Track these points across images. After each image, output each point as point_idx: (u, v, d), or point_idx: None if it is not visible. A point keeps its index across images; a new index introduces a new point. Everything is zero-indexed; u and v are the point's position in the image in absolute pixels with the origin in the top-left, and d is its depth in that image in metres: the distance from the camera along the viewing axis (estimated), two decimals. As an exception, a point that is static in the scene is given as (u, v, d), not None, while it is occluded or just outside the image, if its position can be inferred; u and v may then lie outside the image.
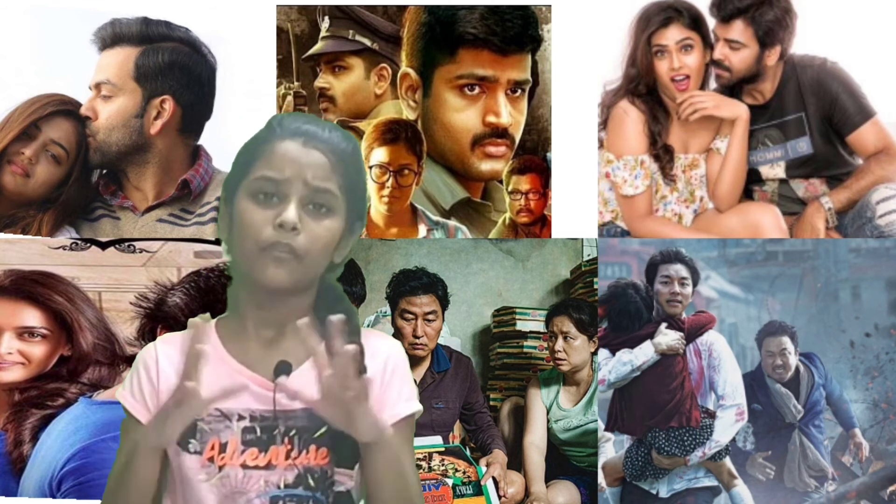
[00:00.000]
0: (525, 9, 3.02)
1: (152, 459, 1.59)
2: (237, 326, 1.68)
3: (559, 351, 3.18)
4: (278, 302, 1.64)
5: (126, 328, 2.77)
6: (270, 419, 1.61)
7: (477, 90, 3.02)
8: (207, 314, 1.67)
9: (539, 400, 3.24)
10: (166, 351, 1.66)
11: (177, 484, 1.63)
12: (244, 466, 1.60)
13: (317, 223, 1.61)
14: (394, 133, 2.96)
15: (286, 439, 1.62)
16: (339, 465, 1.63)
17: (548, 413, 3.23)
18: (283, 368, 1.62)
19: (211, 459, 1.60)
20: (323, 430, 1.62)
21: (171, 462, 1.63)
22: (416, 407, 1.70)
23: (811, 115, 3.17)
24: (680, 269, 2.97)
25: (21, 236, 2.93)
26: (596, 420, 3.10)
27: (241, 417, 1.61)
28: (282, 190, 1.59)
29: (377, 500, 1.62)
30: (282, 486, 1.61)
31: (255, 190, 1.61)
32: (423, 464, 2.99)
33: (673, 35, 3.10)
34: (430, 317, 3.16)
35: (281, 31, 3.22)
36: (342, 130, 1.69)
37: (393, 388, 1.67)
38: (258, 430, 1.61)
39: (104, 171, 3.02)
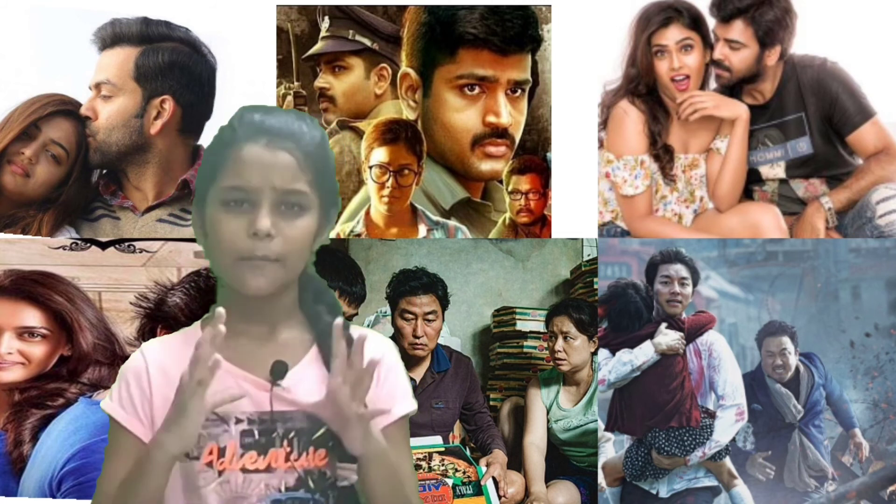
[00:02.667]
0: (525, 9, 3.01)
1: (168, 468, 1.53)
2: (227, 324, 1.63)
3: (559, 351, 3.18)
4: (263, 303, 1.63)
5: (126, 328, 2.77)
6: (268, 421, 1.59)
7: (477, 90, 3.02)
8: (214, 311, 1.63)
9: (539, 400, 3.24)
10: (155, 359, 1.63)
11: (172, 492, 1.59)
12: (244, 470, 1.58)
13: (291, 224, 1.58)
14: (394, 133, 2.95)
15: (285, 441, 1.59)
16: (342, 459, 1.60)
17: (548, 413, 3.23)
18: (280, 370, 1.60)
19: (209, 464, 1.58)
20: (321, 431, 1.60)
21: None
22: (412, 407, 1.69)
23: (811, 115, 3.17)
24: (680, 269, 2.97)
25: (21, 236, 2.93)
26: (596, 420, 3.10)
27: (238, 420, 1.59)
28: (251, 197, 1.57)
29: None
30: (282, 489, 1.59)
31: (224, 198, 1.58)
32: (423, 464, 2.99)
33: (673, 35, 3.10)
34: (430, 317, 3.15)
35: (281, 31, 3.22)
36: (308, 118, 1.64)
37: (387, 387, 1.66)
38: (256, 433, 1.59)
39: (104, 171, 3.02)
